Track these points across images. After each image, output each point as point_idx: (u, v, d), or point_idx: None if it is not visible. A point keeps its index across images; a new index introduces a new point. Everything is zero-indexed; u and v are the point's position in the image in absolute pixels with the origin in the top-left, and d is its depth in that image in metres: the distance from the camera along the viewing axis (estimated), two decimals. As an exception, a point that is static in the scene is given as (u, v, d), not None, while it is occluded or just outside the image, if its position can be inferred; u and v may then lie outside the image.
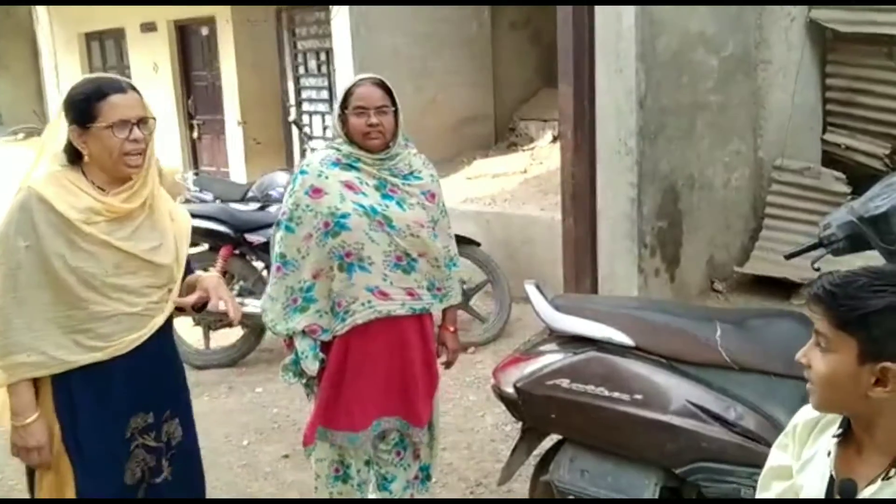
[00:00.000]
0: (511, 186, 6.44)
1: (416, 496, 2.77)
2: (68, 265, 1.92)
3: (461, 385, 4.40)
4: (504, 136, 7.93)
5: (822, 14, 4.89)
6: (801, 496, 1.41)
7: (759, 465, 1.58)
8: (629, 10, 4.26)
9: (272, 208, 5.05)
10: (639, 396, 2.31)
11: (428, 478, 2.81)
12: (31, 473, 2.08)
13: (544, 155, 6.92)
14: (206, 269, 4.42)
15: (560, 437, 2.56)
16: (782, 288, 4.77)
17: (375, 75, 2.57)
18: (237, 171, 9.44)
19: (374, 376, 2.56)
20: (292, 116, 7.96)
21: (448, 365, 2.82)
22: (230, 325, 4.88)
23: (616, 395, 2.33)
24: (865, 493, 1.30)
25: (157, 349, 2.10)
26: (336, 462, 2.65)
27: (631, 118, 4.36)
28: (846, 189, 4.80)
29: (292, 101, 8.71)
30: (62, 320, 1.95)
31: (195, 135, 10.26)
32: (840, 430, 1.38)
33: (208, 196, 5.96)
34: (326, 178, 2.50)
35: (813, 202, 4.89)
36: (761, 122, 5.16)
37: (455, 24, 7.46)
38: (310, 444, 2.65)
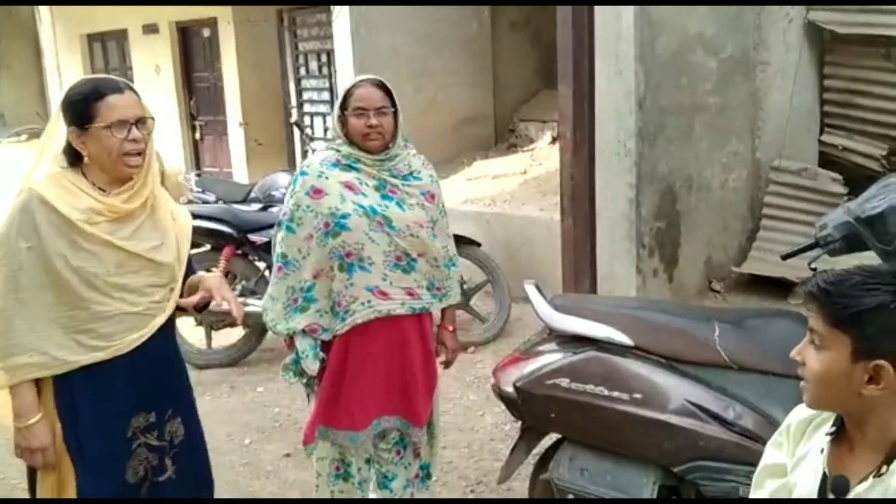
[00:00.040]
0: (511, 187, 6.46)
1: (417, 495, 2.78)
2: (70, 265, 1.93)
3: (461, 384, 4.42)
4: (504, 136, 7.94)
5: (820, 15, 4.91)
6: (795, 494, 1.42)
7: (757, 464, 1.59)
8: (628, 11, 4.28)
9: (274, 209, 5.07)
10: (638, 396, 2.32)
11: (428, 476, 2.82)
12: (32, 473, 2.07)
13: (544, 156, 6.94)
14: (208, 270, 4.44)
15: (559, 436, 2.57)
16: (780, 288, 4.79)
17: (375, 76, 2.58)
18: (239, 172, 9.46)
19: (374, 376, 2.58)
20: (294, 118, 7.97)
21: (447, 364, 2.84)
22: (232, 325, 4.90)
23: (615, 394, 2.34)
24: (857, 490, 1.31)
25: (159, 349, 2.10)
26: (337, 461, 2.66)
27: (630, 119, 4.38)
28: (843, 190, 4.81)
29: (294, 102, 8.73)
30: (64, 321, 1.95)
31: (197, 136, 10.28)
32: (833, 428, 1.40)
33: (211, 197, 5.98)
34: (327, 178, 2.52)
35: (810, 203, 4.90)
36: (759, 123, 5.18)
37: (455, 24, 7.47)
38: (310, 444, 2.66)
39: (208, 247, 4.93)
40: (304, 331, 2.55)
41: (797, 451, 1.46)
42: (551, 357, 2.46)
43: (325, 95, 8.38)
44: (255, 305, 4.50)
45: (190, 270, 2.21)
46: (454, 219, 2.86)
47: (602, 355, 2.39)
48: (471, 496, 3.35)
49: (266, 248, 4.70)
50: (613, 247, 4.54)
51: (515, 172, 6.78)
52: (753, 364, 2.29)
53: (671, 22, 4.52)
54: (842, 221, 2.31)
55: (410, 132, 2.69)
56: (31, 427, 1.95)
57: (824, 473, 1.37)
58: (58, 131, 2.00)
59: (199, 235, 4.73)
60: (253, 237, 4.90)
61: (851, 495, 1.32)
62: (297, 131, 8.02)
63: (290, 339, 2.59)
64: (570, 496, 2.46)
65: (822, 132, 5.16)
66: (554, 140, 6.81)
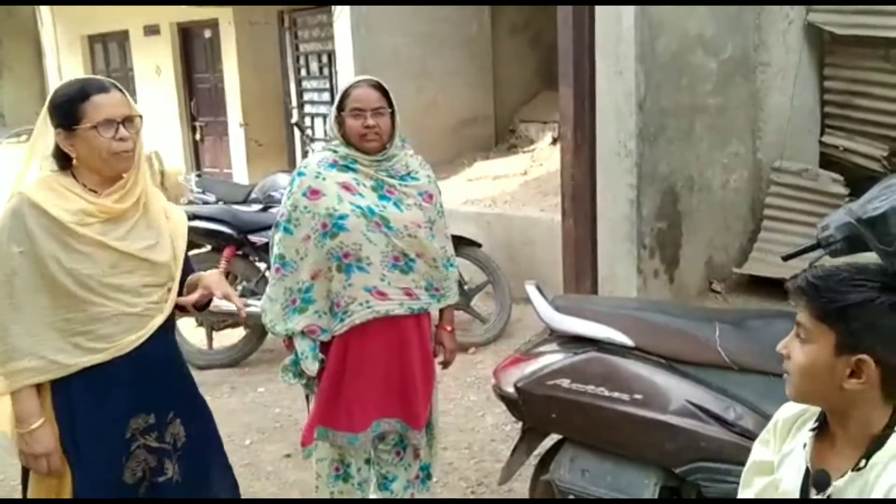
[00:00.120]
0: (511, 188, 6.46)
1: (417, 496, 2.78)
2: (64, 267, 1.92)
3: (462, 385, 4.42)
4: (504, 137, 7.95)
5: (820, 17, 4.91)
6: (780, 490, 1.44)
7: (758, 465, 1.60)
8: (629, 12, 4.28)
9: (274, 209, 5.06)
10: (639, 396, 2.32)
11: (429, 477, 2.82)
12: (25, 472, 2.06)
13: (544, 157, 6.94)
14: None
15: (560, 436, 2.57)
16: (781, 289, 4.72)
17: (372, 77, 2.58)
18: (239, 173, 9.47)
19: (373, 376, 2.58)
20: (294, 118, 7.98)
21: (446, 365, 2.83)
22: (234, 325, 4.91)
23: (616, 395, 2.34)
24: (837, 485, 1.33)
25: (159, 350, 2.09)
26: (336, 461, 2.66)
27: (630, 120, 4.38)
28: (844, 191, 4.81)
29: (294, 103, 8.74)
30: (61, 324, 1.94)
31: (198, 136, 10.29)
32: (816, 424, 1.42)
33: (211, 197, 5.98)
34: (324, 179, 2.52)
35: (811, 204, 4.90)
36: (760, 124, 5.18)
37: (455, 24, 7.48)
38: (308, 445, 2.66)
39: (209, 247, 4.93)
40: (302, 332, 2.55)
41: (783, 448, 1.47)
42: (552, 358, 2.47)
43: (326, 96, 8.39)
44: (255, 306, 4.50)
45: (189, 270, 2.20)
46: (455, 220, 2.86)
47: (603, 356, 2.39)
48: (471, 497, 3.35)
49: (266, 249, 4.68)
50: (614, 247, 4.54)
51: (516, 173, 6.78)
52: (754, 365, 2.29)
53: (671, 23, 4.52)
54: (843, 222, 2.31)
55: (411, 133, 2.69)
56: (33, 432, 1.94)
57: (807, 468, 1.39)
58: (45, 134, 1.99)
59: (199, 236, 4.74)
60: (253, 238, 4.91)
61: (831, 489, 1.33)
62: (297, 132, 8.03)
63: (290, 340, 2.59)
64: (571, 497, 2.46)
65: (822, 133, 5.15)
66: (554, 141, 6.82)
